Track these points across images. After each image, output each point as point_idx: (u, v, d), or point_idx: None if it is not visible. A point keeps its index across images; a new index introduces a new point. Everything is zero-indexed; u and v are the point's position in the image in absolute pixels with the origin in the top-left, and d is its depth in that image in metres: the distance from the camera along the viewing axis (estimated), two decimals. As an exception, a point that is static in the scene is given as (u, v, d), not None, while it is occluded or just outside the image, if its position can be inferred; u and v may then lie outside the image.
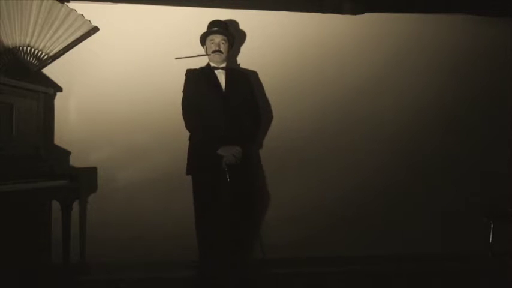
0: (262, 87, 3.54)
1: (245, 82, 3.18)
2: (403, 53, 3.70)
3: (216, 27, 3.11)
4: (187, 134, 3.43)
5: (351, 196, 3.61)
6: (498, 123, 3.78)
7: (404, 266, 3.44)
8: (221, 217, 3.02)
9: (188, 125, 3.05)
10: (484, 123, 3.77)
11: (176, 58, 3.05)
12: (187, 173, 3.07)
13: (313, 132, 3.59)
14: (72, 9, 3.27)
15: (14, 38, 3.16)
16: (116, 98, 3.42)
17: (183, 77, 3.36)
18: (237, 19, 3.50)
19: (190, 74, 3.11)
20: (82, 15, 3.30)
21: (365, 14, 3.64)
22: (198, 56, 3.14)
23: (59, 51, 3.28)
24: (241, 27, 3.42)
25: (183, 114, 3.05)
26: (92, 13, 3.32)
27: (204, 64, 3.19)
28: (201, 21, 3.48)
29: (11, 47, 3.15)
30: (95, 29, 3.34)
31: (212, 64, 3.14)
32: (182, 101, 3.07)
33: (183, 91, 3.09)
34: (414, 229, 3.62)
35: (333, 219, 3.57)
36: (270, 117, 3.55)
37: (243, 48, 3.54)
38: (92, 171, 3.29)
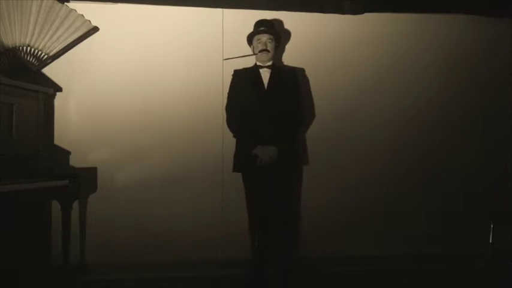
0: (309, 84, 3.55)
1: (290, 80, 3.16)
2: (403, 53, 3.70)
3: (262, 26, 3.12)
4: (187, 134, 3.45)
5: (350, 196, 3.61)
6: (498, 123, 3.78)
7: (404, 266, 3.44)
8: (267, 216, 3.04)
9: (231, 128, 3.09)
10: (484, 123, 3.77)
11: (224, 59, 3.12)
12: (233, 171, 3.11)
13: (313, 132, 3.59)
14: (72, 9, 3.27)
15: (14, 38, 3.16)
16: (116, 98, 3.42)
17: (183, 77, 3.38)
18: (237, 19, 3.50)
19: (236, 74, 3.16)
20: (82, 15, 3.29)
21: (365, 14, 3.64)
22: (245, 56, 3.16)
23: (59, 51, 3.28)
24: (241, 27, 3.41)
25: (226, 118, 3.11)
26: (92, 13, 3.32)
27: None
28: (201, 21, 3.50)
29: (11, 47, 3.15)
30: (95, 29, 3.34)
31: (258, 63, 3.15)
32: (227, 103, 3.13)
33: (228, 92, 3.14)
34: (414, 229, 3.63)
35: (333, 219, 3.57)
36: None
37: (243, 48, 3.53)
38: (92, 171, 3.29)
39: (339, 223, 3.58)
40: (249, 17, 3.41)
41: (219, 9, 3.51)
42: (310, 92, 3.56)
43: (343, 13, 3.61)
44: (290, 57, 3.57)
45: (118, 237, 3.34)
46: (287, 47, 3.58)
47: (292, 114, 3.08)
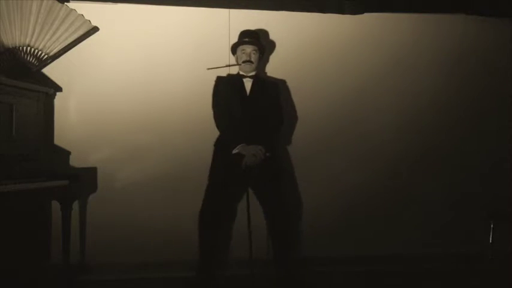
0: (290, 95, 3.56)
1: (271, 90, 3.19)
2: (403, 53, 3.70)
3: (247, 37, 3.14)
4: (187, 134, 3.45)
5: (350, 196, 3.61)
6: (498, 123, 3.78)
7: (404, 266, 3.44)
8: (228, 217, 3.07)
9: (219, 126, 3.09)
10: (484, 123, 3.77)
11: (208, 69, 3.10)
12: (209, 179, 3.11)
13: (313, 132, 3.59)
14: (72, 9, 3.27)
15: (14, 38, 3.16)
16: (116, 98, 3.42)
17: (183, 77, 3.39)
18: (236, 19, 3.49)
19: (219, 81, 3.17)
20: (82, 15, 3.30)
21: (365, 14, 3.64)
22: (228, 66, 3.18)
23: (59, 51, 3.28)
24: (241, 27, 3.41)
25: (214, 117, 3.10)
26: (92, 13, 3.32)
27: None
28: (201, 21, 3.50)
29: (11, 47, 3.15)
30: (95, 29, 3.34)
31: (241, 73, 3.17)
32: (212, 105, 3.13)
33: (213, 95, 3.14)
34: (414, 229, 3.63)
35: (333, 219, 3.57)
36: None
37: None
38: (92, 171, 3.29)
39: (338, 223, 3.58)
40: (249, 18, 3.42)
41: (219, 9, 3.50)
42: (292, 102, 3.56)
43: (343, 13, 3.61)
44: (290, 57, 3.56)
45: (118, 237, 3.33)
46: (287, 47, 3.57)
47: (272, 117, 3.11)
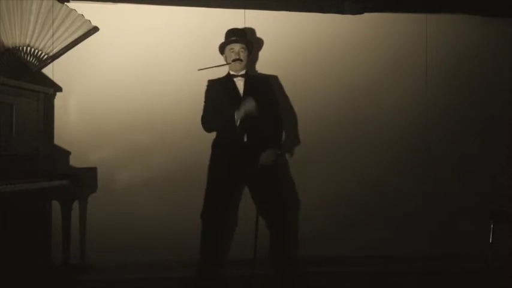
0: (284, 90, 3.54)
1: (264, 87, 3.17)
2: (403, 53, 3.70)
3: (234, 36, 3.12)
4: (187, 134, 3.45)
5: (350, 196, 3.61)
6: (498, 123, 3.78)
7: (404, 266, 3.44)
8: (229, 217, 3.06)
9: (206, 127, 3.08)
10: (484, 123, 3.77)
11: (199, 69, 3.06)
12: (208, 179, 3.10)
13: (313, 132, 3.59)
14: (72, 9, 3.27)
15: (14, 38, 3.16)
16: (116, 98, 3.42)
17: (183, 77, 3.38)
18: (237, 19, 3.49)
19: (211, 84, 3.16)
20: (82, 15, 3.30)
21: (365, 14, 3.64)
22: (219, 66, 3.13)
23: (59, 51, 3.28)
24: (240, 26, 3.41)
25: (201, 120, 3.08)
26: (92, 13, 3.32)
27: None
28: (201, 21, 3.50)
29: (11, 47, 3.15)
30: (95, 29, 3.34)
31: (231, 72, 3.15)
32: (203, 108, 3.11)
33: (204, 100, 3.13)
34: (414, 229, 3.63)
35: (333, 219, 3.57)
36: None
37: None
38: (92, 171, 3.28)
39: (338, 223, 3.58)
40: (249, 17, 3.42)
41: (219, 9, 3.50)
42: (287, 97, 3.55)
43: (343, 13, 3.61)
44: (290, 57, 3.56)
45: (118, 237, 3.33)
46: (287, 47, 3.57)
47: (269, 114, 3.08)
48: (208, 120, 3.07)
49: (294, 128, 3.57)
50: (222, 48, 3.19)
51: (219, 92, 3.10)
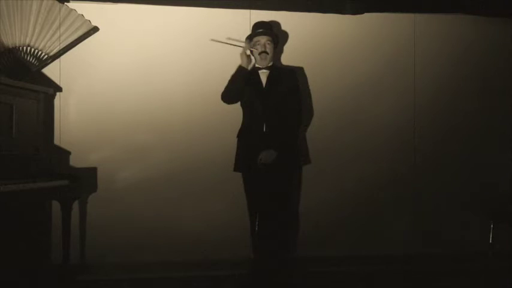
0: (308, 83, 3.55)
1: (288, 80, 3.15)
2: (403, 53, 3.70)
3: (261, 28, 3.12)
4: (187, 133, 3.45)
5: (350, 196, 3.61)
6: (498, 123, 3.78)
7: (404, 266, 3.44)
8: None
9: (223, 101, 3.09)
10: (484, 123, 3.77)
11: (211, 40, 3.07)
12: (234, 170, 3.11)
13: (313, 132, 3.59)
14: (72, 9, 3.28)
15: (14, 38, 3.16)
16: (116, 98, 3.42)
17: (183, 77, 3.37)
18: (237, 19, 3.50)
19: (241, 68, 3.08)
20: (82, 15, 3.30)
21: (365, 14, 3.64)
22: (232, 44, 3.13)
23: (59, 51, 3.28)
24: (240, 27, 3.41)
25: (221, 95, 3.08)
26: (92, 13, 3.33)
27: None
28: (201, 21, 3.50)
29: (11, 47, 3.15)
30: (95, 29, 3.34)
31: (257, 65, 3.15)
32: (226, 85, 3.09)
33: (230, 79, 3.09)
34: (414, 229, 3.63)
35: (333, 219, 3.57)
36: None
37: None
38: (92, 171, 3.29)
39: (339, 223, 3.58)
40: (248, 17, 3.42)
41: (219, 9, 3.50)
42: (309, 90, 3.56)
43: (343, 13, 3.61)
44: (290, 57, 3.57)
45: (118, 237, 3.33)
46: (286, 47, 3.58)
47: (291, 114, 3.08)
48: (226, 98, 3.10)
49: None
50: (248, 41, 3.14)
51: (244, 81, 3.08)
